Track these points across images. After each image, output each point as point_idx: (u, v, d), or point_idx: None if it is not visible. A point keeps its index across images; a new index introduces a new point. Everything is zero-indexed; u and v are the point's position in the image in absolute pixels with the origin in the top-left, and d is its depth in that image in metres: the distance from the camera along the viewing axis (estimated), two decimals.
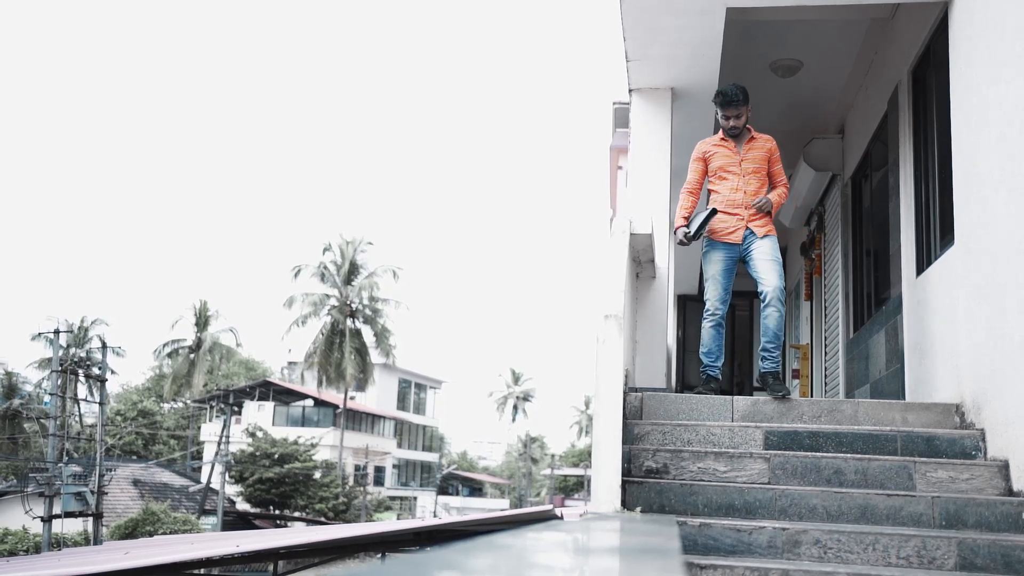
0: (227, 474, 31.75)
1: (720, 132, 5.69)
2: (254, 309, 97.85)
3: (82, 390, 36.18)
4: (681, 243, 5.63)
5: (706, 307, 5.63)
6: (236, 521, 31.13)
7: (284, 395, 50.32)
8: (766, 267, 5.42)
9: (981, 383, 4.63)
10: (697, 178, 5.70)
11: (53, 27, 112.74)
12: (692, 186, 5.71)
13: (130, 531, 24.61)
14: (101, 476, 21.21)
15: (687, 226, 5.57)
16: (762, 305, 5.42)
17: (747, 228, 5.51)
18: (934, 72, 5.96)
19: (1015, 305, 4.17)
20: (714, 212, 5.48)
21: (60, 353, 24.79)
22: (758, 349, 5.50)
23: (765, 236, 5.51)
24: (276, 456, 35.47)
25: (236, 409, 41.47)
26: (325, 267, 45.17)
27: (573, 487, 64.07)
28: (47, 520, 20.11)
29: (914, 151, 6.34)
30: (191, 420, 50.23)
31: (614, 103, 10.22)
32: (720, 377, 5.75)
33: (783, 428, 4.80)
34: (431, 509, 52.33)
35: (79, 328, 45.05)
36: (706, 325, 5.62)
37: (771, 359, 5.39)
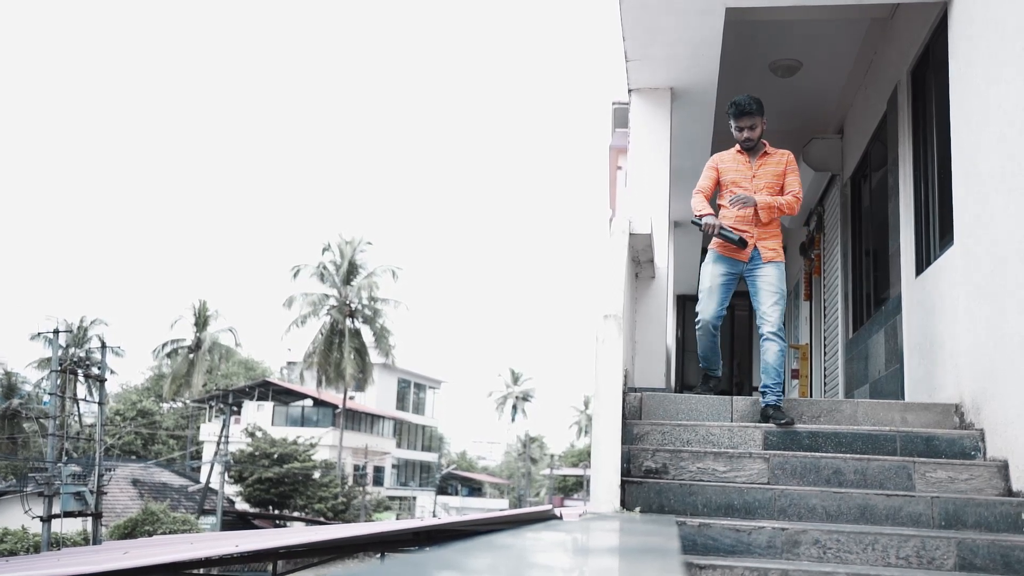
0: (226, 474, 31.75)
1: (736, 145, 5.42)
2: (253, 309, 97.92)
3: (81, 390, 36.23)
4: (702, 228, 5.22)
5: (698, 319, 5.37)
6: (235, 521, 31.13)
7: (283, 395, 50.32)
8: (768, 300, 5.15)
9: (981, 383, 4.63)
10: (709, 184, 5.43)
11: (53, 27, 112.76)
12: (706, 192, 5.43)
13: (129, 531, 24.61)
14: (100, 476, 21.21)
15: (724, 229, 5.19)
16: (761, 338, 5.16)
17: (755, 248, 5.27)
18: (933, 72, 5.96)
19: (1015, 305, 4.17)
20: (744, 243, 5.20)
21: (59, 353, 24.77)
22: (759, 384, 5.17)
23: (771, 262, 5.22)
24: (275, 456, 35.46)
25: (235, 409, 41.48)
26: (324, 267, 45.17)
27: (572, 487, 64.07)
28: (46, 520, 20.11)
29: (913, 151, 6.34)
30: (190, 420, 50.23)
31: (614, 103, 10.22)
32: (720, 376, 5.62)
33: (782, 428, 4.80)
34: (430, 509, 52.33)
35: (78, 328, 45.03)
36: (699, 333, 5.41)
37: (773, 394, 5.05)
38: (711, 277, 5.33)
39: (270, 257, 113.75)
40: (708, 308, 5.32)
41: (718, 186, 5.45)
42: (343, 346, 43.02)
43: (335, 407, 47.72)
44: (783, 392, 5.18)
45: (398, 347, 47.36)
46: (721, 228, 5.19)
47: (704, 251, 5.78)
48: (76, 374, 26.65)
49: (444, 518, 34.02)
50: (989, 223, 4.55)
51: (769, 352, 5.10)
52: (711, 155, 5.75)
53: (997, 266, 4.43)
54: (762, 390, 5.11)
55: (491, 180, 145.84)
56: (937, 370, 5.43)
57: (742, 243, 5.20)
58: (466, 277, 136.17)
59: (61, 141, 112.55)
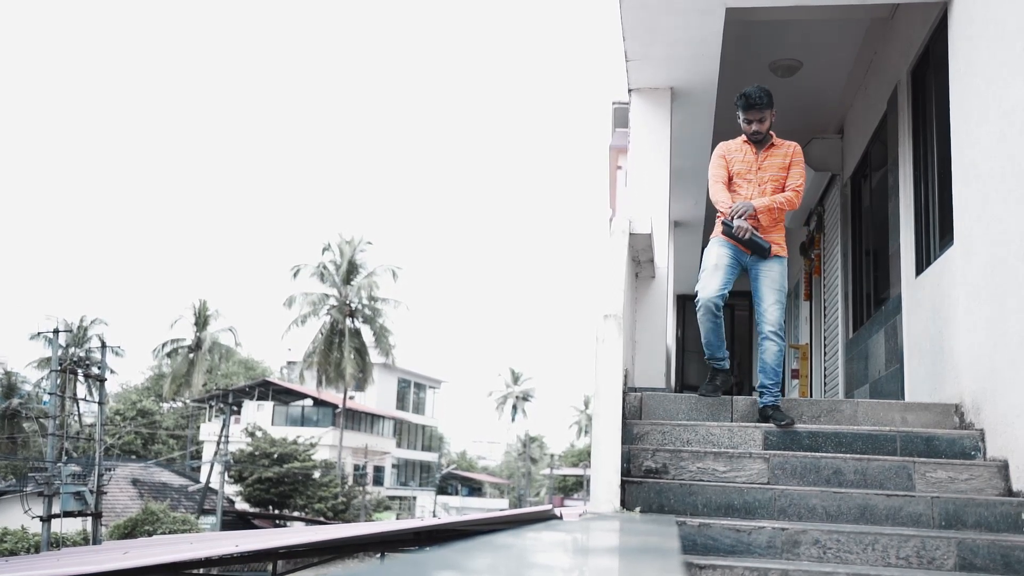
0: (226, 474, 31.75)
1: (743, 135, 5.26)
2: (254, 309, 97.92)
3: (81, 390, 36.22)
4: (734, 231, 5.03)
5: (697, 299, 5.11)
6: (235, 521, 31.13)
7: (283, 395, 50.32)
8: (770, 298, 5.03)
9: (981, 383, 4.63)
10: (724, 173, 5.24)
11: (53, 27, 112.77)
12: (724, 180, 5.24)
13: (129, 531, 24.61)
14: (100, 476, 21.20)
15: (756, 235, 5.03)
16: (760, 337, 5.09)
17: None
18: (933, 72, 5.96)
19: (1015, 305, 4.17)
20: (767, 254, 5.07)
21: (59, 353, 24.77)
22: (756, 383, 5.09)
23: (775, 257, 5.10)
24: (275, 456, 35.47)
25: (235, 409, 41.48)
26: (324, 267, 45.16)
27: (572, 487, 64.06)
28: (46, 520, 20.09)
29: (913, 151, 6.34)
30: (190, 420, 50.22)
31: (614, 103, 10.24)
32: (729, 368, 5.34)
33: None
34: (430, 509, 52.33)
35: (78, 328, 45.00)
36: (700, 315, 5.10)
37: (770, 394, 4.99)
38: (717, 256, 5.11)
39: (270, 257, 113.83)
40: (710, 285, 5.06)
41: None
42: (343, 346, 43.02)
43: (335, 407, 47.71)
44: (782, 392, 5.16)
45: (398, 347, 47.39)
46: (753, 234, 5.01)
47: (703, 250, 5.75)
48: (76, 374, 26.65)
49: (444, 518, 34.02)
50: (989, 223, 4.55)
51: (768, 352, 5.03)
52: (711, 154, 5.72)
53: (997, 266, 4.43)
54: (760, 390, 5.09)
55: (491, 180, 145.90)
56: (937, 370, 5.43)
57: (767, 253, 5.07)
58: (466, 277, 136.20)
59: (61, 141, 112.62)
